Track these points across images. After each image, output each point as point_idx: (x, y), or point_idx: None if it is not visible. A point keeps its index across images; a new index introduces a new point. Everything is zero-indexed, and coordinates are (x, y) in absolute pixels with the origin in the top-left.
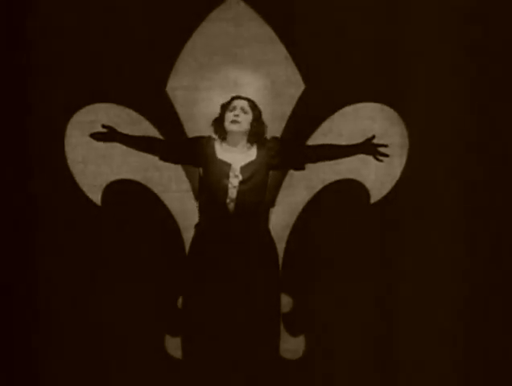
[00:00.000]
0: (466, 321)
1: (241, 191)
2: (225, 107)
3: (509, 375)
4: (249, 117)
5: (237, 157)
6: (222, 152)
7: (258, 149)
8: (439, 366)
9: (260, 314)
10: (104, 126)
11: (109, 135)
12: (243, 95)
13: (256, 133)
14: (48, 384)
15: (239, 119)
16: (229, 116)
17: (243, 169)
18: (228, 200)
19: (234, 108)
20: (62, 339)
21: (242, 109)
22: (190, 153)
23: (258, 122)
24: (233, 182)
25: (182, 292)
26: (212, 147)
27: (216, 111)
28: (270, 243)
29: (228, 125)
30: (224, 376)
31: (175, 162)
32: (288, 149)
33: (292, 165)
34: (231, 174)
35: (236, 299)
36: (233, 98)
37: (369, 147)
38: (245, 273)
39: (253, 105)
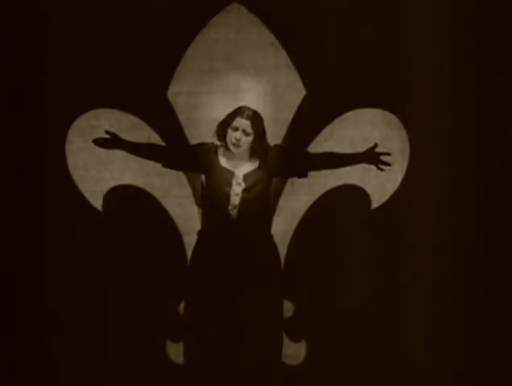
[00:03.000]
0: (468, 324)
1: (243, 199)
2: (228, 122)
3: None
4: (250, 138)
5: (240, 164)
6: (225, 159)
7: (261, 157)
8: (441, 370)
9: (263, 319)
10: (107, 132)
11: (111, 142)
12: (247, 102)
13: (257, 152)
14: None
15: (240, 143)
16: (231, 136)
17: (246, 177)
18: (230, 207)
19: (236, 129)
20: (62, 345)
21: (244, 131)
22: (193, 160)
23: (260, 141)
24: (236, 189)
25: (184, 298)
26: (216, 154)
27: (217, 116)
28: (273, 249)
29: (229, 145)
30: (225, 382)
31: (178, 169)
32: (291, 157)
33: (295, 173)
34: (234, 181)
35: (239, 305)
36: (237, 114)
37: (371, 156)
38: (248, 278)
39: (256, 125)
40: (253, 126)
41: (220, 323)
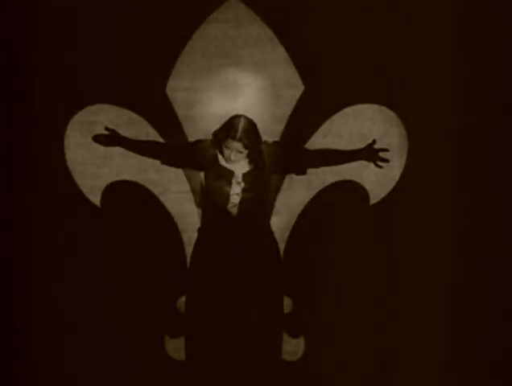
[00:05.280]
0: (468, 321)
1: (243, 198)
2: (222, 139)
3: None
4: (245, 152)
5: (239, 163)
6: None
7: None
8: (440, 367)
9: (263, 315)
10: (107, 129)
11: (111, 139)
12: (245, 98)
13: (253, 161)
14: None
15: (235, 160)
16: (225, 153)
17: (245, 176)
18: (230, 205)
19: (231, 150)
20: (61, 342)
21: (237, 150)
22: (192, 157)
23: (257, 151)
24: (236, 189)
25: (186, 294)
26: (215, 153)
27: (216, 112)
28: (274, 245)
29: (226, 159)
30: (225, 378)
31: (177, 167)
32: (290, 154)
33: (294, 170)
34: (233, 181)
35: (239, 301)
36: (229, 135)
37: (370, 153)
38: (248, 275)
39: (248, 142)
40: (246, 146)
41: (222, 320)
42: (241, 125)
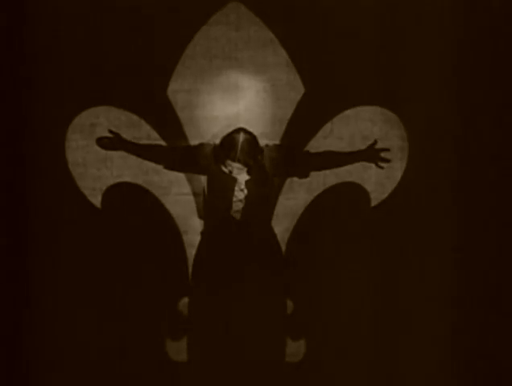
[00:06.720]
0: (468, 324)
1: (246, 204)
2: (222, 157)
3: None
4: (245, 169)
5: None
6: None
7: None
8: (440, 370)
9: (266, 318)
10: (110, 132)
11: (114, 143)
12: (246, 100)
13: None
14: None
15: (236, 174)
16: (228, 169)
17: (248, 183)
18: (233, 211)
19: (232, 167)
20: (61, 345)
21: (237, 168)
22: (195, 162)
23: (256, 169)
24: (239, 195)
25: (188, 296)
26: None
27: (217, 114)
28: (277, 248)
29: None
30: (227, 379)
31: (180, 171)
32: (291, 157)
33: (296, 173)
34: (236, 188)
35: (242, 303)
36: (228, 156)
37: (371, 154)
38: (251, 277)
39: (248, 160)
40: (245, 164)
41: (224, 322)
42: (240, 144)
